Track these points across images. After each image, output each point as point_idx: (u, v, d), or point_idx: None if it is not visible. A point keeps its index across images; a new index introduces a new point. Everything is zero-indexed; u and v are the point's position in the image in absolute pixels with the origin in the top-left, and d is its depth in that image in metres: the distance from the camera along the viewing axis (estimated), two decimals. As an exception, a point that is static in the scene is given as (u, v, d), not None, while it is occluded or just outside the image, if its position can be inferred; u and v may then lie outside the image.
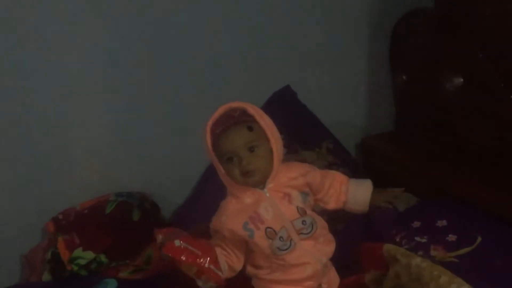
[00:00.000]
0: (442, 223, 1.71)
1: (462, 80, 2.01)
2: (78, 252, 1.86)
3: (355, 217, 1.67)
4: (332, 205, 1.62)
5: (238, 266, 1.52)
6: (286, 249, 1.48)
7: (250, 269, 1.54)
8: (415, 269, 1.50)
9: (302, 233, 1.50)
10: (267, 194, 1.49)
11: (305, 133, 2.22)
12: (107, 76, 2.01)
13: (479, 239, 1.60)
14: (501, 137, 1.87)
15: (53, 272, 1.88)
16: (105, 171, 2.09)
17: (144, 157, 2.13)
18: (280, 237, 1.47)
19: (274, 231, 1.47)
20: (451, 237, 1.64)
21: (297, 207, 1.50)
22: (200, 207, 2.07)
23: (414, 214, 1.76)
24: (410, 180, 2.16)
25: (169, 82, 2.10)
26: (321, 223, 1.55)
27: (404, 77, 2.27)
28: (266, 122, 1.47)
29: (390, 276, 1.54)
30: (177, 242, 1.39)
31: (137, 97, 2.06)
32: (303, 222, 1.50)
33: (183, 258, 1.37)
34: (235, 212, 1.48)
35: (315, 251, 1.52)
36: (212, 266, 1.40)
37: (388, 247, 1.60)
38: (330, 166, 2.15)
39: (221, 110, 1.46)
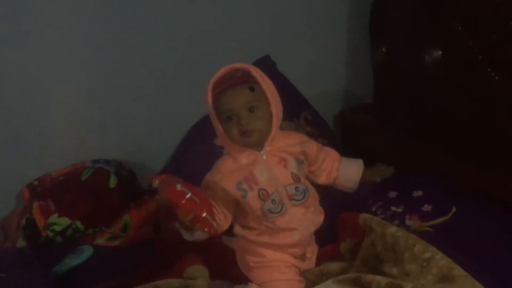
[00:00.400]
0: (418, 193, 1.72)
1: (441, 53, 2.01)
2: (54, 218, 1.85)
3: (333, 188, 1.68)
4: (323, 179, 1.65)
5: (225, 225, 1.54)
6: (277, 212, 1.50)
7: (237, 229, 1.56)
8: (390, 238, 1.51)
9: (294, 199, 1.52)
10: (264, 157, 1.50)
11: (283, 104, 2.21)
12: (86, 43, 1.98)
13: (454, 209, 1.62)
14: (478, 112, 1.88)
15: (28, 239, 1.87)
16: (82, 139, 2.08)
17: (122, 125, 2.12)
18: (273, 200, 1.49)
19: (267, 193, 1.49)
20: (427, 207, 1.65)
21: (292, 173, 1.52)
22: (178, 176, 2.06)
23: (390, 185, 1.77)
24: (387, 152, 2.17)
25: (150, 53, 2.08)
26: (313, 192, 1.58)
27: (383, 50, 2.26)
28: (268, 85, 1.48)
29: (365, 245, 1.56)
30: (178, 187, 1.37)
31: (116, 66, 2.04)
32: (296, 188, 1.52)
33: (183, 202, 1.35)
34: (230, 171, 1.49)
35: (305, 219, 1.54)
36: (208, 216, 1.39)
37: (363, 217, 1.61)
38: (309, 136, 2.14)
39: (223, 69, 1.46)
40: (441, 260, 1.41)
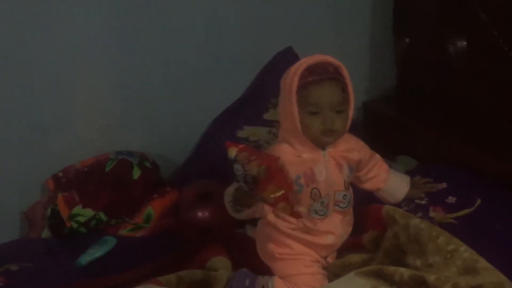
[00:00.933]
0: (442, 186, 1.71)
1: (465, 43, 1.99)
2: (78, 209, 1.86)
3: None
4: (367, 186, 1.65)
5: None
6: (322, 215, 1.50)
7: (271, 218, 1.52)
8: (413, 229, 1.50)
9: (338, 206, 1.53)
10: (325, 157, 1.49)
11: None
12: (109, 35, 1.99)
13: (479, 201, 1.60)
14: (503, 103, 1.86)
15: (53, 229, 1.89)
16: (106, 130, 2.08)
17: (145, 117, 2.12)
18: (322, 202, 1.49)
19: (320, 194, 1.48)
20: (451, 199, 1.64)
21: (344, 180, 1.52)
22: (199, 168, 2.07)
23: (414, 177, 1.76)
24: (410, 144, 2.16)
25: (172, 43, 2.07)
26: (353, 203, 1.57)
27: (407, 41, 2.25)
28: (351, 88, 1.46)
29: (388, 236, 1.55)
30: (280, 161, 1.28)
31: (139, 57, 2.04)
32: (344, 196, 1.53)
33: (282, 177, 1.27)
34: (290, 162, 1.41)
35: (341, 226, 1.55)
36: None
37: (387, 208, 1.61)
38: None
39: (317, 58, 1.43)
40: (465, 252, 1.40)
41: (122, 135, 2.10)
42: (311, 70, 1.41)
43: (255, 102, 2.18)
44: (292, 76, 1.41)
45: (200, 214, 1.81)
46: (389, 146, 1.88)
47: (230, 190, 1.43)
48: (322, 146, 1.48)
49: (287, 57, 2.22)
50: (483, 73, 1.91)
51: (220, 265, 1.60)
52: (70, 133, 2.03)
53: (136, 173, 1.93)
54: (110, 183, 1.90)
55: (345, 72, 1.45)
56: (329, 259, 1.59)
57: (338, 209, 1.53)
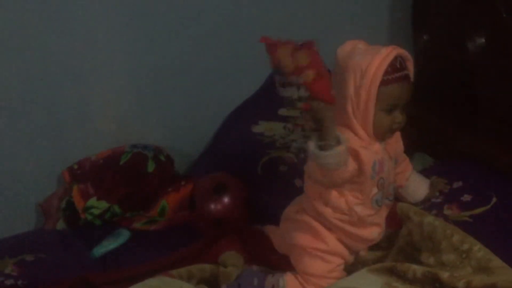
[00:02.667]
0: (457, 184, 1.69)
1: (484, 41, 1.97)
2: (93, 201, 1.87)
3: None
4: None
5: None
6: (379, 206, 1.50)
7: (319, 206, 1.48)
8: (427, 227, 1.48)
9: (388, 199, 1.52)
10: (383, 149, 1.48)
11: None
12: (128, 27, 2.00)
13: (494, 199, 1.58)
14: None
15: (68, 221, 1.91)
16: (121, 123, 2.09)
17: (161, 110, 2.13)
18: (382, 192, 1.48)
19: (384, 184, 1.48)
20: (466, 197, 1.62)
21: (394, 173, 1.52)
22: (214, 162, 2.07)
23: (429, 175, 1.74)
24: (427, 140, 2.14)
25: (188, 37, 2.08)
26: None
27: (425, 37, 2.22)
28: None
29: (403, 233, 1.53)
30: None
31: (156, 51, 2.05)
32: (393, 188, 1.54)
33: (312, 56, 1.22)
34: (365, 148, 1.41)
35: (384, 221, 1.55)
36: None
37: (401, 206, 1.59)
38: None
39: (396, 52, 1.38)
40: (479, 252, 1.38)
41: (138, 128, 2.11)
42: (392, 65, 1.38)
43: (271, 97, 2.17)
44: (376, 69, 1.36)
45: (215, 206, 1.82)
46: (406, 142, 1.85)
47: (310, 145, 1.31)
48: (382, 138, 1.47)
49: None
50: (502, 71, 1.89)
51: (232, 260, 1.60)
52: (87, 125, 2.04)
53: (151, 167, 1.93)
54: (125, 176, 1.91)
55: (412, 65, 1.44)
56: (363, 252, 1.57)
57: (387, 202, 1.53)
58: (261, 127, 2.11)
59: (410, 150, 2.07)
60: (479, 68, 1.96)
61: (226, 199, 1.81)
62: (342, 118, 1.41)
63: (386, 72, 1.36)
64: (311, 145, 1.30)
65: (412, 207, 1.57)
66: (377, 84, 1.36)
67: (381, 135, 1.44)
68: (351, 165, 1.37)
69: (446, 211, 1.59)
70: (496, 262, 1.35)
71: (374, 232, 1.52)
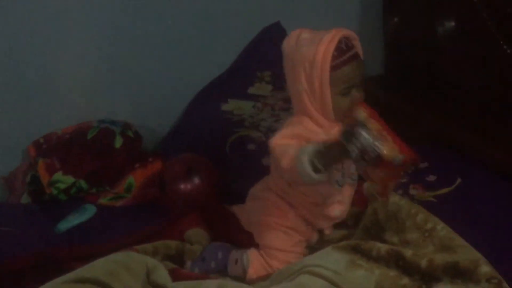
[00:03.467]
0: (423, 165, 1.71)
1: (454, 24, 1.98)
2: (58, 176, 1.85)
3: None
4: None
5: None
6: (340, 186, 1.49)
7: (283, 185, 1.50)
8: (392, 206, 1.50)
9: (350, 178, 1.52)
10: None
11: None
12: (98, 2, 1.97)
13: (459, 180, 1.61)
14: (490, 84, 1.86)
15: (33, 195, 1.88)
16: (90, 98, 2.07)
17: (130, 86, 2.11)
18: (343, 173, 1.48)
19: (342, 165, 1.46)
20: (431, 178, 1.64)
21: None
22: (182, 140, 2.07)
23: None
24: (397, 123, 2.15)
25: (159, 14, 2.06)
26: None
27: (395, 20, 2.23)
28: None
29: (368, 212, 1.55)
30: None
31: (127, 25, 2.03)
32: (356, 168, 1.52)
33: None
34: (324, 135, 1.40)
35: (348, 200, 1.55)
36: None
37: (368, 185, 1.61)
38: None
39: (339, 34, 1.37)
40: (442, 231, 1.40)
41: (106, 104, 2.08)
42: (338, 48, 1.36)
43: (241, 76, 2.17)
44: (322, 57, 1.35)
45: (185, 187, 1.80)
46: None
47: (308, 149, 1.30)
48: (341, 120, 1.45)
49: (274, 32, 2.21)
50: (471, 54, 1.91)
51: (197, 237, 1.60)
52: (54, 99, 2.01)
53: (118, 142, 1.91)
54: (92, 151, 1.88)
55: (359, 43, 1.43)
56: (327, 231, 1.59)
57: (350, 181, 1.52)
58: (230, 106, 2.10)
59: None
60: (448, 51, 1.98)
61: (196, 181, 1.81)
62: (301, 109, 1.43)
63: (334, 57, 1.36)
64: (307, 152, 1.29)
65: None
66: (328, 71, 1.36)
67: (341, 117, 1.42)
68: None
69: (412, 191, 1.62)
70: (458, 241, 1.37)
71: (336, 210, 1.53)
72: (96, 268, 1.38)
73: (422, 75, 2.11)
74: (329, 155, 1.29)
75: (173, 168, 1.87)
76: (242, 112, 2.08)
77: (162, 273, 1.43)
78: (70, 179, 1.85)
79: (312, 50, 1.36)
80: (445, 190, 1.59)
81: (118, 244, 1.57)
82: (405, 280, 1.33)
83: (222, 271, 1.55)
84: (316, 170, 1.28)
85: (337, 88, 1.38)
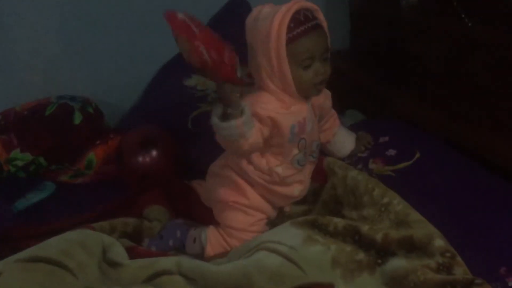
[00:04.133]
0: (384, 139, 1.70)
1: (417, -1, 1.97)
2: (16, 153, 1.81)
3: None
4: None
5: (257, 138, 1.36)
6: (302, 165, 1.49)
7: (242, 163, 1.47)
8: (350, 181, 1.50)
9: (311, 156, 1.51)
10: (309, 107, 1.45)
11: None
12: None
13: (418, 155, 1.60)
14: (451, 58, 1.85)
15: (-10, 173, 1.85)
16: (49, 73, 2.04)
17: (91, 61, 2.08)
18: (304, 152, 1.47)
19: (306, 144, 1.46)
20: (391, 152, 1.64)
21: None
22: (145, 116, 2.03)
23: (357, 130, 1.75)
24: (359, 98, 2.16)
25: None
26: None
27: (360, -7, 2.22)
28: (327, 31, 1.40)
29: (327, 187, 1.55)
30: (180, 15, 1.24)
31: (86, -1, 1.99)
32: (317, 145, 1.53)
33: (176, 30, 1.23)
34: (281, 111, 1.39)
35: (308, 177, 1.54)
36: (204, 50, 1.22)
37: (327, 160, 1.61)
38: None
39: (294, 5, 1.33)
40: (398, 205, 1.40)
41: (66, 80, 2.05)
42: (294, 20, 1.33)
43: (204, 51, 2.14)
44: (277, 29, 1.32)
45: (142, 160, 1.77)
46: (339, 99, 1.86)
47: (213, 115, 1.32)
48: (308, 96, 1.44)
49: (238, 6, 2.17)
50: (433, 28, 1.90)
51: (156, 214, 1.59)
52: (12, 75, 1.98)
53: (78, 119, 1.88)
54: (50, 127, 1.85)
55: (322, 15, 1.39)
56: (287, 208, 1.58)
57: (311, 159, 1.52)
58: (194, 81, 2.07)
59: (342, 107, 2.10)
60: (411, 26, 1.96)
61: (153, 154, 1.77)
62: (261, 85, 1.40)
63: (289, 29, 1.33)
64: (213, 114, 1.29)
65: (338, 162, 1.59)
66: (283, 44, 1.33)
67: (305, 91, 1.41)
68: (264, 133, 1.38)
69: (371, 165, 1.61)
70: (414, 215, 1.37)
71: (296, 190, 1.53)
72: (50, 246, 1.36)
73: (387, 51, 2.10)
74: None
75: (129, 140, 1.83)
76: (205, 87, 2.05)
77: (118, 250, 1.42)
78: (28, 156, 1.82)
79: (268, 23, 1.34)
80: (403, 165, 1.59)
81: (76, 222, 1.54)
82: (361, 255, 1.34)
83: (180, 249, 1.54)
84: (224, 118, 1.28)
85: (297, 61, 1.35)
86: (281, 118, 1.39)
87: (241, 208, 1.50)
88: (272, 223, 1.55)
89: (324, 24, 1.40)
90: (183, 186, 1.72)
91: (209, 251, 1.49)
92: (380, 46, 2.14)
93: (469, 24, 1.73)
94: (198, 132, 1.89)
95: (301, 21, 1.34)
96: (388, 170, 1.58)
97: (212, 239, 1.50)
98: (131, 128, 1.94)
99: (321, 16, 1.40)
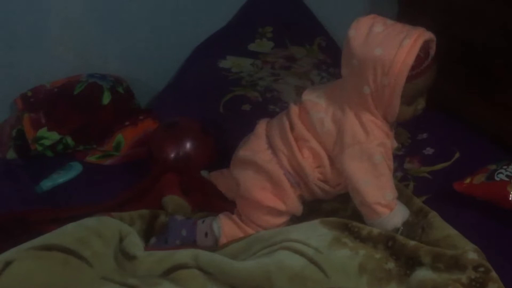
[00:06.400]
0: (422, 136, 1.62)
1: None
2: (43, 132, 1.79)
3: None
4: None
5: None
6: None
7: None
8: None
9: None
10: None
11: (296, 27, 2.10)
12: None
13: (457, 155, 1.51)
14: (502, 47, 1.73)
15: (18, 151, 1.83)
16: (81, 50, 1.99)
17: (123, 39, 2.03)
18: None
19: None
20: (429, 151, 1.55)
21: None
22: (177, 96, 1.98)
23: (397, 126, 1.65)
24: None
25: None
26: None
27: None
28: None
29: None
30: None
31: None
32: None
33: None
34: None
35: None
36: None
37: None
38: (319, 64, 2.03)
39: (421, 40, 1.24)
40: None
41: (98, 57, 2.01)
42: (417, 57, 1.24)
43: (241, 31, 2.07)
44: (400, 67, 1.22)
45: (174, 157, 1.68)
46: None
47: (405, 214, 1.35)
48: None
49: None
50: (485, 14, 1.77)
51: (174, 205, 1.53)
52: (43, 51, 1.94)
53: (106, 98, 1.84)
54: (78, 106, 1.82)
55: (434, 44, 1.29)
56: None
57: None
58: (229, 62, 2.02)
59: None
60: (462, 12, 1.84)
61: (186, 151, 1.68)
62: (361, 104, 1.32)
63: (411, 67, 1.23)
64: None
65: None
66: (403, 83, 1.24)
67: (401, 120, 1.37)
68: None
69: (407, 165, 1.53)
70: (451, 231, 1.28)
71: (341, 190, 1.45)
72: (66, 234, 1.34)
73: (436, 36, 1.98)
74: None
75: (160, 136, 1.74)
76: (240, 69, 1.99)
77: (135, 241, 1.38)
78: (55, 136, 1.79)
79: (390, 55, 1.23)
80: (441, 166, 1.49)
81: (97, 210, 1.49)
82: (391, 264, 1.26)
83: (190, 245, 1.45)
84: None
85: (406, 97, 1.28)
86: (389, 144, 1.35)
87: (274, 213, 1.42)
88: (298, 218, 1.46)
89: (434, 52, 1.30)
90: (199, 177, 1.65)
91: (223, 242, 1.42)
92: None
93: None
94: (228, 117, 1.82)
95: (421, 59, 1.25)
96: (425, 171, 1.49)
97: (226, 229, 1.42)
98: (163, 110, 1.89)
99: (434, 47, 1.29)
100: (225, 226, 1.43)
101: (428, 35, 1.26)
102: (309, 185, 1.40)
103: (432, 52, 1.29)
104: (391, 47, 1.22)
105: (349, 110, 1.33)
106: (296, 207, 1.43)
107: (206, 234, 1.44)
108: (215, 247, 1.41)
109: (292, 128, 1.40)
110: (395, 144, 1.39)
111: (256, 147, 1.45)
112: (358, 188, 1.32)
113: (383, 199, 1.30)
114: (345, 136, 1.32)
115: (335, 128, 1.34)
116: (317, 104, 1.38)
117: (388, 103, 1.27)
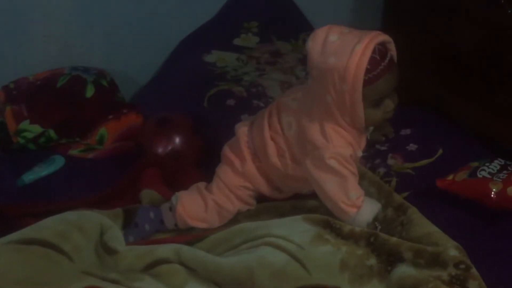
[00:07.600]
0: (406, 131, 1.62)
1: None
2: (25, 124, 1.77)
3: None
4: None
5: None
6: None
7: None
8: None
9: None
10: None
11: (281, 22, 2.09)
12: None
13: (440, 151, 1.51)
14: (487, 44, 1.73)
15: (1, 143, 1.81)
16: (65, 43, 1.98)
17: (108, 32, 2.01)
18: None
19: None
20: (412, 147, 1.56)
21: None
22: (162, 91, 1.97)
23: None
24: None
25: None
26: None
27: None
28: None
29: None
30: None
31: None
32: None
33: None
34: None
35: None
36: None
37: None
38: (305, 60, 2.00)
39: (373, 43, 1.23)
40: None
41: (81, 50, 2.00)
42: (370, 59, 1.23)
43: (227, 26, 2.07)
44: (354, 73, 1.22)
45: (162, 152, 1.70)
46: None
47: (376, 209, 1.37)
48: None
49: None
50: (470, 12, 1.78)
51: (149, 198, 1.54)
52: (27, 44, 1.93)
53: (90, 92, 1.83)
54: (60, 100, 1.80)
55: (393, 45, 1.29)
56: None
57: None
58: (214, 57, 2.01)
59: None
60: (447, 9, 1.85)
61: (175, 146, 1.71)
62: (328, 116, 1.32)
63: (366, 71, 1.23)
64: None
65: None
66: (360, 88, 1.23)
67: (373, 125, 1.38)
68: None
69: (390, 161, 1.54)
70: (433, 228, 1.29)
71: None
72: (46, 228, 1.34)
73: (418, 33, 1.99)
74: None
75: (149, 131, 1.76)
76: (225, 64, 1.99)
77: (116, 235, 1.38)
78: (37, 128, 1.78)
79: (342, 63, 1.23)
80: (424, 162, 1.50)
81: (78, 205, 1.48)
82: (372, 261, 1.26)
83: (159, 231, 1.48)
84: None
85: (369, 100, 1.28)
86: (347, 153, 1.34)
87: (234, 169, 1.46)
88: (281, 214, 1.46)
89: (395, 55, 1.30)
90: (180, 167, 1.66)
91: (180, 210, 1.44)
92: (413, 29, 2.03)
93: (508, 11, 1.61)
94: (213, 112, 1.81)
95: (377, 61, 1.24)
96: (408, 167, 1.49)
97: (182, 195, 1.46)
98: (147, 104, 1.89)
99: (392, 48, 1.29)
100: (182, 193, 1.47)
101: (382, 37, 1.26)
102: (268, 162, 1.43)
103: (392, 53, 1.29)
104: (343, 55, 1.23)
105: (315, 117, 1.34)
106: (253, 173, 1.46)
107: (170, 209, 1.47)
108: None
109: (269, 119, 1.44)
110: (360, 154, 1.39)
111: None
112: (323, 191, 1.35)
113: (347, 199, 1.32)
114: (307, 142, 1.35)
115: (300, 133, 1.37)
116: (290, 107, 1.41)
117: (352, 109, 1.27)
